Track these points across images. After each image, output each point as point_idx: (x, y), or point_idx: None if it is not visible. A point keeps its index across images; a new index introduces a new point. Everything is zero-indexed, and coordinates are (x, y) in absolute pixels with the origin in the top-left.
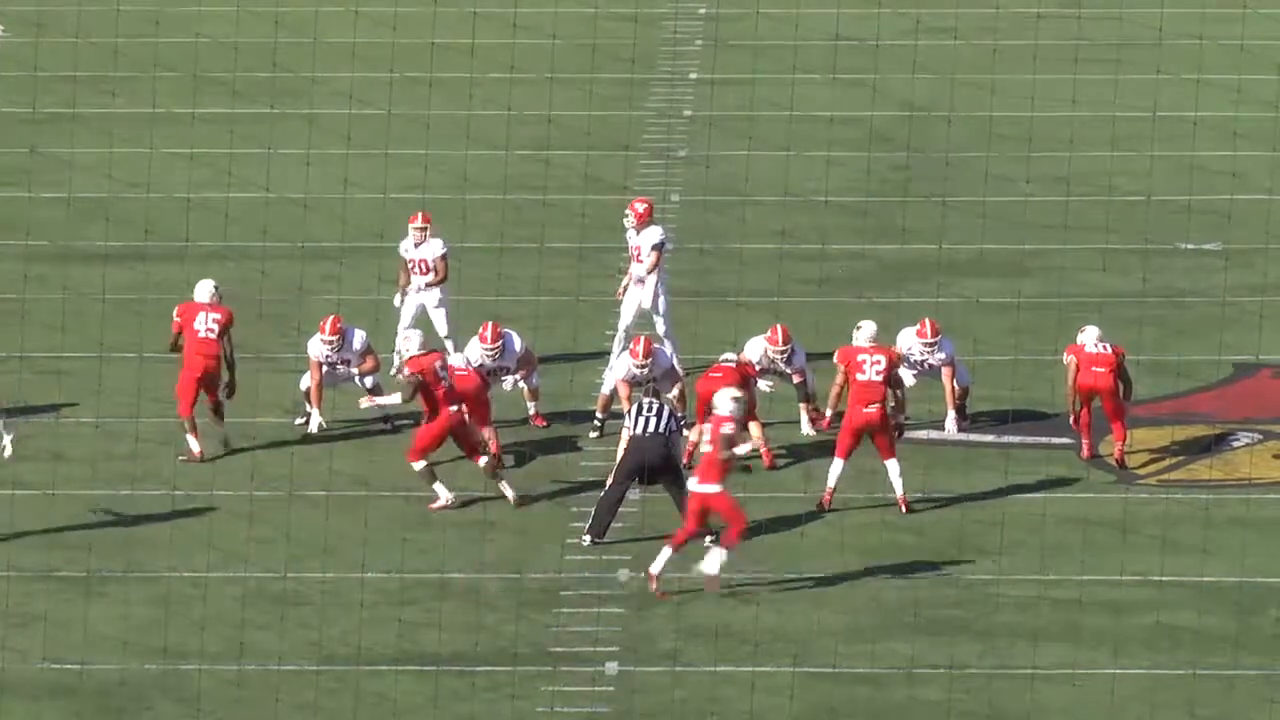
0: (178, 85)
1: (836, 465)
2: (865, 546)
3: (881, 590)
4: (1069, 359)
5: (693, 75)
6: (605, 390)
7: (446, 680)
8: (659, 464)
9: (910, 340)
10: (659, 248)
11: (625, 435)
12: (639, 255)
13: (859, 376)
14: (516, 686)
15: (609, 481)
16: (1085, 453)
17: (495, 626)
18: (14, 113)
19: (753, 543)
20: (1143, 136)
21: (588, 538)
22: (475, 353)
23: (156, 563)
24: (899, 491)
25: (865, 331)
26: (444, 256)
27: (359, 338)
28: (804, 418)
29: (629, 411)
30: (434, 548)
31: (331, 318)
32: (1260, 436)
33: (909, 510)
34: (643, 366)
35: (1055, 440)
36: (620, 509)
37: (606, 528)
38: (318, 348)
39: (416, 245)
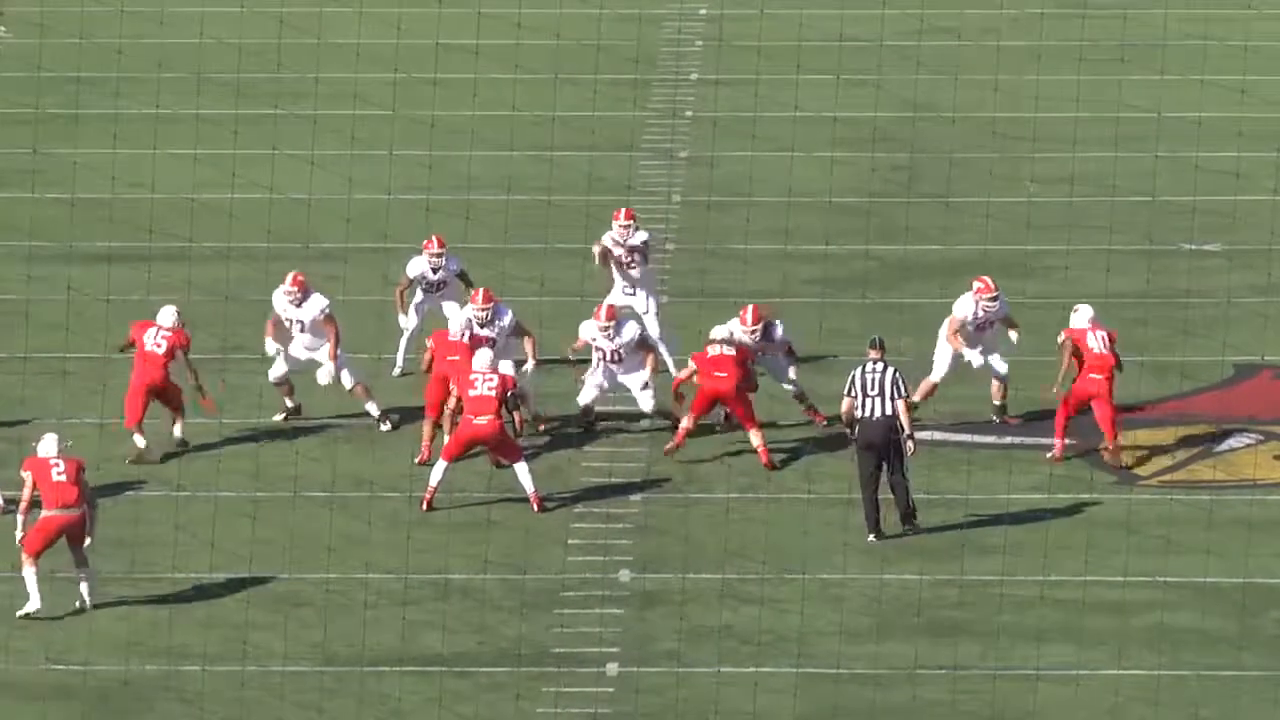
0: (181, 85)
1: (440, 467)
2: (867, 547)
3: (883, 591)
4: (1065, 339)
5: (694, 76)
6: (583, 400)
7: (449, 681)
8: (885, 445)
9: (969, 305)
10: (645, 247)
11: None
12: (628, 260)
13: (471, 393)
14: (519, 687)
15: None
16: (1057, 453)
17: (497, 627)
18: (17, 113)
19: (754, 543)
20: (1146, 137)
21: (872, 537)
22: (467, 312)
23: (159, 563)
24: (529, 489)
25: (481, 358)
26: (463, 273)
27: (320, 304)
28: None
29: (850, 378)
30: (436, 548)
31: (295, 274)
32: (1262, 437)
33: (542, 509)
34: (605, 329)
35: (1056, 441)
36: (878, 498)
37: (878, 519)
38: (280, 300)
39: (435, 271)
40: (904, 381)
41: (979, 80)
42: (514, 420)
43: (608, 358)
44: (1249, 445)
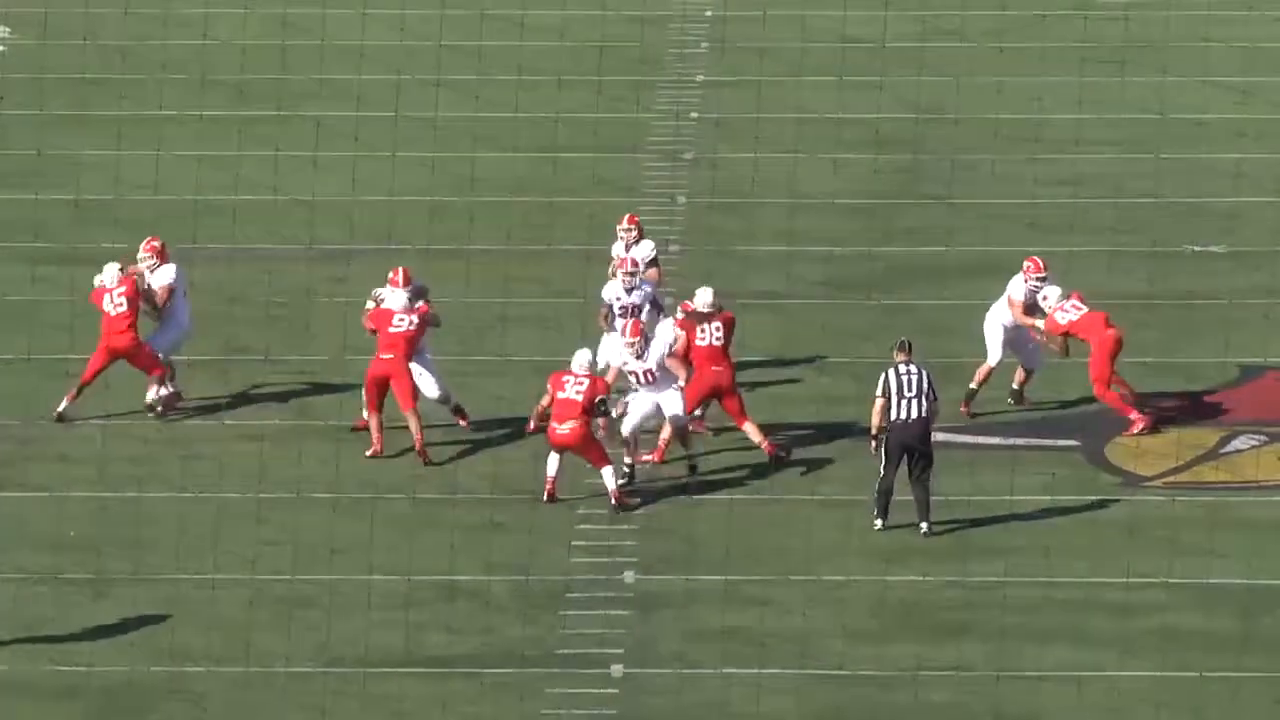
0: (185, 87)
1: (554, 458)
2: (872, 548)
3: (888, 592)
4: (1044, 325)
5: (699, 77)
6: (626, 431)
7: (453, 682)
8: (919, 447)
9: (1021, 285)
10: (655, 262)
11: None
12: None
13: (560, 395)
14: (523, 688)
15: (880, 467)
16: (1145, 421)
17: (502, 628)
18: (21, 114)
19: (759, 544)
20: (1150, 138)
21: (879, 522)
22: (400, 298)
23: (164, 565)
24: (610, 487)
25: (581, 358)
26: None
27: (166, 277)
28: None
29: (883, 380)
30: (441, 550)
31: (150, 239)
32: (1266, 439)
33: (622, 506)
34: (632, 345)
35: (1061, 442)
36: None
37: (887, 509)
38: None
39: (629, 291)
40: (936, 384)
41: (982, 82)
42: (599, 424)
43: (641, 380)
44: (1253, 447)
